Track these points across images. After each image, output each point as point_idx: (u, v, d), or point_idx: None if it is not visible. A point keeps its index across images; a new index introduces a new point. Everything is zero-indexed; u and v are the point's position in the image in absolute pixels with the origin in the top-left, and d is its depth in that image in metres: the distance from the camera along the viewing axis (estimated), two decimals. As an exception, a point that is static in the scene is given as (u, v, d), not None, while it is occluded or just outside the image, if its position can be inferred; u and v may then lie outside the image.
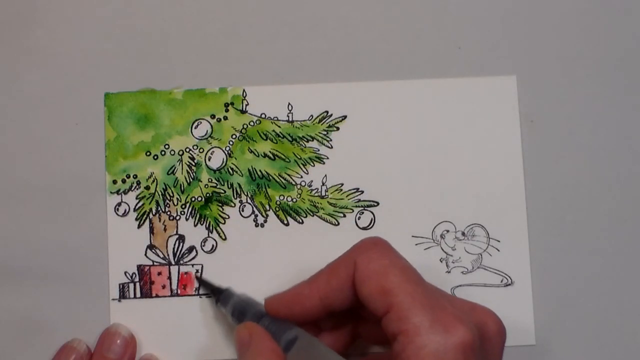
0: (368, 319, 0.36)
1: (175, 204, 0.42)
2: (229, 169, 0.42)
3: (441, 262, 0.42)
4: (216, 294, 0.40)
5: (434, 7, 0.43)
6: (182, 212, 0.42)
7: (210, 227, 0.42)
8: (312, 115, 0.42)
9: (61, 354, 0.40)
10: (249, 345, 0.35)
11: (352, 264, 0.34)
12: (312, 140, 0.42)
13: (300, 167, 0.42)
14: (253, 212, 0.42)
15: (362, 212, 0.42)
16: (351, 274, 0.34)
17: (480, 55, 0.43)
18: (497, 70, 0.43)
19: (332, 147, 0.42)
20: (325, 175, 0.42)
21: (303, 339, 0.35)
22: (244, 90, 0.43)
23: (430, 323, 0.31)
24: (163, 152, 0.42)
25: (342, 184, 0.42)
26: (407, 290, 0.32)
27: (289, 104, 0.42)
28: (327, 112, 0.42)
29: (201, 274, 0.41)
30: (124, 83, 0.43)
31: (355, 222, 0.42)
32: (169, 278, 0.41)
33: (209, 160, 0.42)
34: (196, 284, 0.41)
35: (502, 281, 0.41)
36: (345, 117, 0.42)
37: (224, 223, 0.42)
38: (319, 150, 0.42)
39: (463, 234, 0.42)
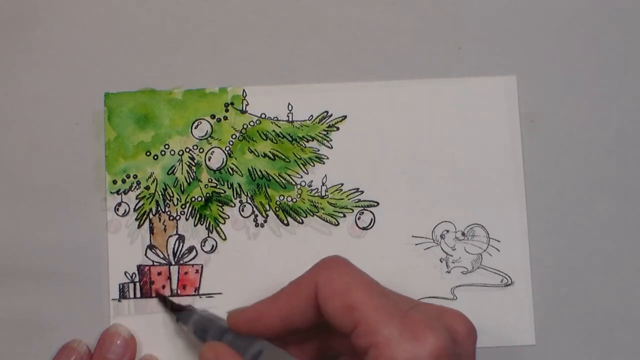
0: (336, 333, 0.36)
1: (175, 204, 0.42)
2: (229, 169, 0.42)
3: (441, 262, 0.42)
4: (176, 311, 0.40)
5: (434, 7, 0.43)
6: (182, 212, 0.42)
7: (210, 227, 0.42)
8: (312, 115, 0.42)
9: (61, 354, 0.40)
10: None
11: (313, 284, 0.34)
12: (312, 140, 0.42)
13: (300, 167, 0.42)
14: (253, 212, 0.42)
15: (362, 212, 0.42)
16: (312, 294, 0.34)
17: (480, 55, 0.43)
18: (497, 71, 0.43)
19: (332, 147, 0.42)
20: (325, 175, 0.42)
21: (268, 352, 0.35)
22: (243, 90, 0.43)
23: (399, 333, 0.31)
24: (163, 152, 0.42)
25: (342, 184, 0.42)
26: (372, 305, 0.32)
27: (289, 104, 0.42)
28: (327, 112, 0.42)
29: (163, 296, 0.41)
30: (124, 83, 0.43)
31: (355, 222, 0.42)
32: (169, 278, 0.41)
33: (209, 160, 0.42)
34: (196, 283, 0.41)
35: (502, 281, 0.41)
36: (345, 117, 0.42)
37: (224, 223, 0.42)
38: (319, 150, 0.42)
39: (463, 234, 0.42)
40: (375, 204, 0.42)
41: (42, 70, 0.43)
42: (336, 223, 0.42)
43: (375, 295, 0.33)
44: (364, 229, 0.42)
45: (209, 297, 0.41)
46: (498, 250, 0.42)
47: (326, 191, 0.42)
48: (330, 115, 0.42)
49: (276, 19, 0.43)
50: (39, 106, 0.43)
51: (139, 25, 0.43)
